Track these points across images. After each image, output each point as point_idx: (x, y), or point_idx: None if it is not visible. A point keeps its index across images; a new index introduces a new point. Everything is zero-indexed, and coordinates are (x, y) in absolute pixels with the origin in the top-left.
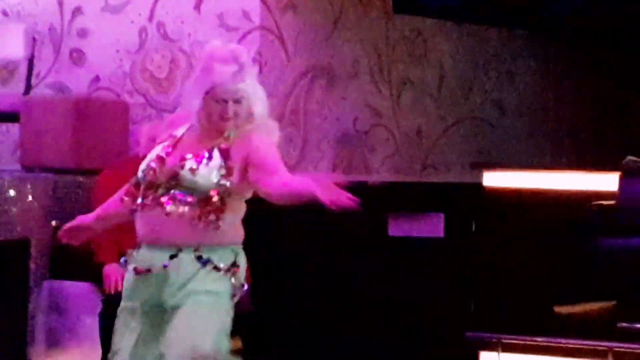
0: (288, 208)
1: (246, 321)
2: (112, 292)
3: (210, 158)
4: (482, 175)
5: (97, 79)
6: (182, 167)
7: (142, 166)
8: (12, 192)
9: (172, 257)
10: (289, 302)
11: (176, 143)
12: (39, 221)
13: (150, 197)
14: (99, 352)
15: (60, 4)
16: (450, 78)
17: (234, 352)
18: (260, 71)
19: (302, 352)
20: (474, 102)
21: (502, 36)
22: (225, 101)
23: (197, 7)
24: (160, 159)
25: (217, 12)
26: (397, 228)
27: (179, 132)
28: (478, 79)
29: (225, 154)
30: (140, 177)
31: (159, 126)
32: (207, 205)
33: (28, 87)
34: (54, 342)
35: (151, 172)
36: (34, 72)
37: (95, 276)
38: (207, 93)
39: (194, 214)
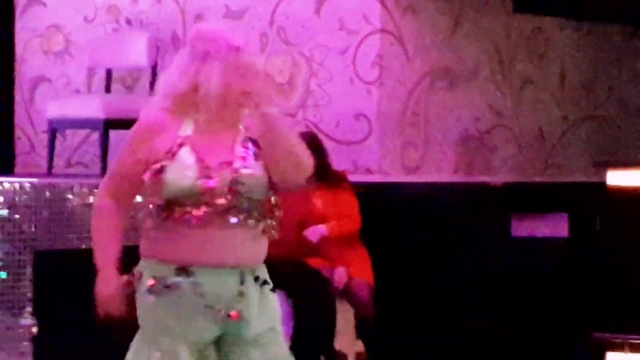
0: (411, 213)
1: (368, 325)
2: None
3: (250, 153)
4: (606, 174)
5: None
6: (236, 170)
7: (173, 177)
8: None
9: (241, 282)
10: (410, 304)
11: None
12: None
13: (209, 212)
14: None
15: (182, 12)
16: (571, 76)
17: (358, 355)
18: (381, 74)
19: (423, 355)
20: (597, 100)
21: (625, 33)
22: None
23: (317, 11)
24: (218, 165)
25: (337, 16)
26: (521, 228)
27: (185, 131)
28: (600, 77)
29: (256, 144)
30: (186, 190)
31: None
32: (267, 212)
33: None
34: None
35: (205, 182)
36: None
37: None
38: None
39: (257, 225)
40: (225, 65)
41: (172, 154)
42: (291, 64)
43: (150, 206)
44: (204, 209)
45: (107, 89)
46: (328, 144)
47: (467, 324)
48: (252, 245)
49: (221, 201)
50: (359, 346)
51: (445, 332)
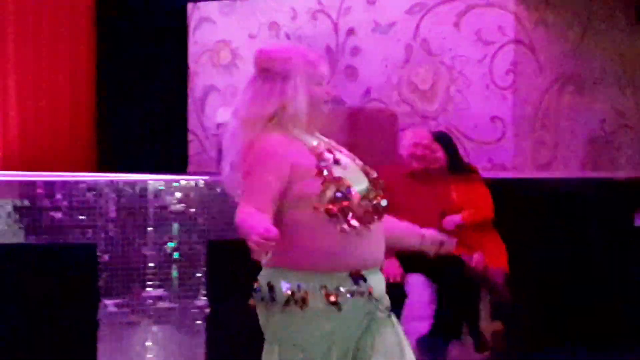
0: (542, 206)
1: (506, 307)
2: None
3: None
4: None
5: (368, 91)
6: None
7: (351, 178)
8: None
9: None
10: (541, 290)
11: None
12: None
13: (369, 210)
14: None
15: (335, 26)
16: None
17: (495, 333)
18: (515, 80)
19: (558, 336)
20: None
21: None
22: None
23: (457, 24)
24: (366, 167)
25: (475, 29)
26: None
27: (312, 142)
28: None
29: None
30: (364, 190)
31: (421, 131)
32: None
33: None
34: None
35: (372, 184)
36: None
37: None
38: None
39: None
40: (307, 79)
41: (334, 160)
42: (433, 72)
43: (327, 213)
44: (364, 209)
45: None
46: (467, 144)
47: (593, 311)
48: (383, 242)
49: (375, 203)
50: (496, 326)
51: (573, 316)
